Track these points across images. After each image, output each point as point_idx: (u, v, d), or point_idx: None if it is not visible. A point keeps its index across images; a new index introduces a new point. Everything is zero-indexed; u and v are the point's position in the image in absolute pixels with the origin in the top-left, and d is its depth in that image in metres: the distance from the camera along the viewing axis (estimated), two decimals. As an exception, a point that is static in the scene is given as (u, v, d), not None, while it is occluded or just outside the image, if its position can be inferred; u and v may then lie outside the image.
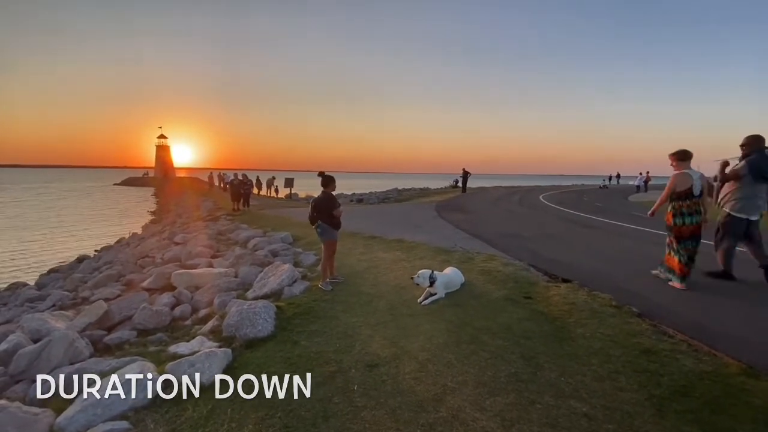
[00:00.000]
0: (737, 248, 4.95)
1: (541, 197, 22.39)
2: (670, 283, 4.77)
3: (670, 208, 4.69)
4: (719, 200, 5.01)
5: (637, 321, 3.57)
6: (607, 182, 37.06)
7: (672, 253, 4.78)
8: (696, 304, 4.09)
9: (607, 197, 22.92)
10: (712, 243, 5.09)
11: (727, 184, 4.90)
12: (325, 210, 4.68)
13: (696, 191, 4.54)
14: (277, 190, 28.51)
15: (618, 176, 40.79)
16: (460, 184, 27.45)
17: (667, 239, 4.87)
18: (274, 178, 28.71)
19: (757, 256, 4.79)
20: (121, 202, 35.54)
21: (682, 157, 4.62)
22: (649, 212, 5.11)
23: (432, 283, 4.22)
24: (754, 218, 4.76)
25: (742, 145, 4.83)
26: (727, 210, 4.87)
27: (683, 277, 4.60)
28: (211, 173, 35.04)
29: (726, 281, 4.86)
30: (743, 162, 4.71)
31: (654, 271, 5.09)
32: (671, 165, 4.72)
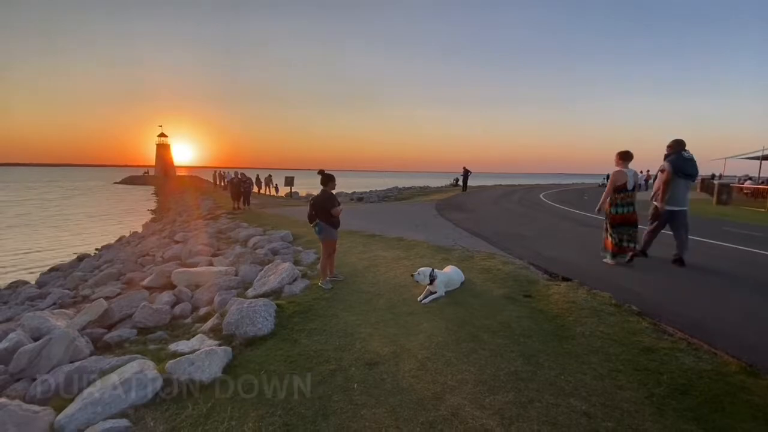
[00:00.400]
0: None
1: (541, 196, 22.37)
2: (604, 260, 5.79)
3: (609, 199, 5.59)
4: (652, 195, 5.86)
5: (636, 319, 3.57)
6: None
7: (606, 236, 5.77)
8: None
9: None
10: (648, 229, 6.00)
11: (656, 182, 5.78)
12: (324, 209, 4.66)
13: (629, 186, 5.44)
14: (276, 188, 28.20)
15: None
16: (460, 182, 27.43)
17: (604, 224, 5.81)
18: (270, 176, 28.16)
19: (678, 244, 5.63)
20: (123, 201, 35.56)
21: (624, 157, 5.47)
22: (596, 208, 5.82)
23: (432, 281, 4.22)
24: (677, 209, 5.53)
25: (667, 147, 5.64)
26: (655, 203, 5.73)
27: (613, 255, 5.64)
28: (215, 172, 34.79)
29: (647, 259, 5.89)
30: (666, 162, 5.49)
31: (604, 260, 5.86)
32: (616, 163, 5.56)
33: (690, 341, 3.17)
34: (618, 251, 5.59)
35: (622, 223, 5.54)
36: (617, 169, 5.51)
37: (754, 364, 2.78)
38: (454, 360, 2.94)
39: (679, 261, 5.61)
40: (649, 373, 2.68)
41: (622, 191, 5.47)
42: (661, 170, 5.58)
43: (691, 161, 5.46)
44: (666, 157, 5.57)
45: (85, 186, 56.51)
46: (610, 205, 5.59)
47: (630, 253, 5.63)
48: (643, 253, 5.94)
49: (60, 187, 51.83)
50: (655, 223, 5.80)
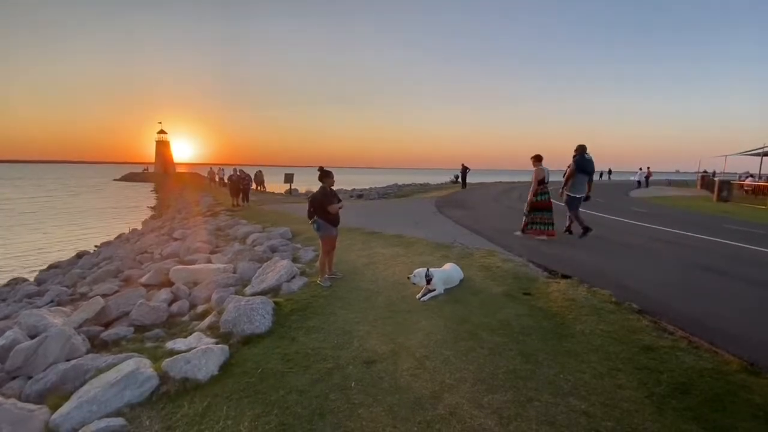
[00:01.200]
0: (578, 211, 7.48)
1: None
2: (515, 233, 7.70)
3: (534, 194, 7.34)
4: (562, 187, 7.62)
5: (637, 318, 3.54)
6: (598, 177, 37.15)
7: (524, 217, 7.61)
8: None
9: (608, 193, 22.84)
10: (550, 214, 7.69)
11: (566, 177, 7.47)
12: (322, 206, 4.63)
13: (546, 180, 7.30)
14: (263, 185, 25.63)
15: (609, 172, 40.83)
16: (460, 179, 27.35)
17: (525, 209, 7.58)
18: (260, 171, 25.37)
19: (579, 221, 7.41)
20: (125, 198, 35.51)
21: (539, 158, 7.26)
22: (527, 205, 7.53)
23: (429, 280, 4.19)
24: (579, 195, 7.37)
25: (574, 150, 7.32)
26: (567, 192, 7.43)
27: (522, 231, 7.64)
28: (211, 168, 34.71)
29: (586, 234, 7.33)
30: (572, 161, 7.27)
31: (516, 233, 7.71)
32: (533, 164, 7.29)
33: (691, 340, 3.14)
34: (524, 228, 7.61)
35: (542, 207, 7.37)
36: (538, 168, 7.20)
37: (756, 362, 2.76)
38: (452, 358, 2.92)
39: (568, 231, 7.77)
40: (649, 371, 2.66)
41: (542, 184, 7.26)
42: (569, 167, 7.33)
43: (590, 161, 7.25)
44: (573, 157, 7.23)
45: (88, 183, 56.39)
46: (535, 194, 7.30)
47: (549, 235, 7.33)
48: (586, 228, 7.34)
49: (65, 185, 51.68)
50: (574, 207, 7.57)
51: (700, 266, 5.58)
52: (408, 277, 4.34)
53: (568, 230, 7.75)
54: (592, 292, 4.16)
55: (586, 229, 7.27)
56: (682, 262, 5.85)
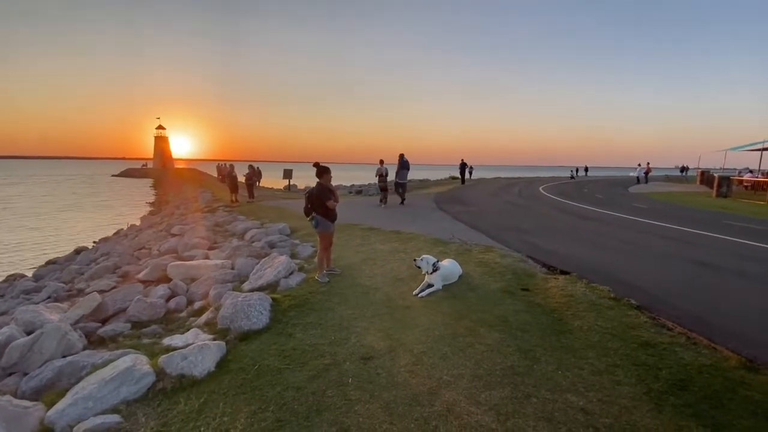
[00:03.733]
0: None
1: (541, 188, 22.29)
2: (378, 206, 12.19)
3: (378, 180, 12.39)
4: (395, 177, 12.42)
5: (635, 313, 3.53)
6: (574, 174, 37.42)
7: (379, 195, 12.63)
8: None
9: (608, 189, 22.82)
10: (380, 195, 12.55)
11: (396, 171, 12.17)
12: (320, 201, 4.60)
13: (384, 174, 12.10)
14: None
15: (586, 169, 41.25)
16: (466, 175, 27.22)
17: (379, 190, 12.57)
18: (232, 166, 18.73)
19: (402, 197, 12.62)
20: (122, 194, 35.40)
21: (381, 162, 12.41)
22: (381, 201, 12.45)
23: (435, 270, 4.21)
24: (401, 182, 12.39)
25: (399, 155, 11.95)
26: (397, 179, 12.35)
27: (380, 203, 12.30)
28: (223, 164, 31.60)
29: (400, 206, 12.08)
30: (399, 161, 11.94)
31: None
32: (380, 163, 12.35)
33: (689, 336, 3.13)
34: (382, 201, 12.27)
35: (382, 189, 12.36)
36: (380, 166, 12.18)
37: (755, 358, 2.75)
38: (450, 354, 2.91)
39: (402, 204, 12.43)
40: (648, 368, 2.65)
41: (378, 176, 12.26)
42: (399, 163, 12.03)
43: (407, 162, 12.00)
44: (399, 160, 11.94)
45: (87, 179, 56.14)
46: (379, 181, 12.37)
47: (384, 203, 12.25)
48: (402, 202, 12.58)
49: (63, 181, 51.39)
50: (396, 189, 12.65)
51: (700, 262, 5.57)
52: (414, 260, 4.39)
53: (402, 204, 12.53)
54: (591, 288, 4.14)
55: (403, 201, 12.58)
56: (681, 258, 5.84)
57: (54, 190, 37.99)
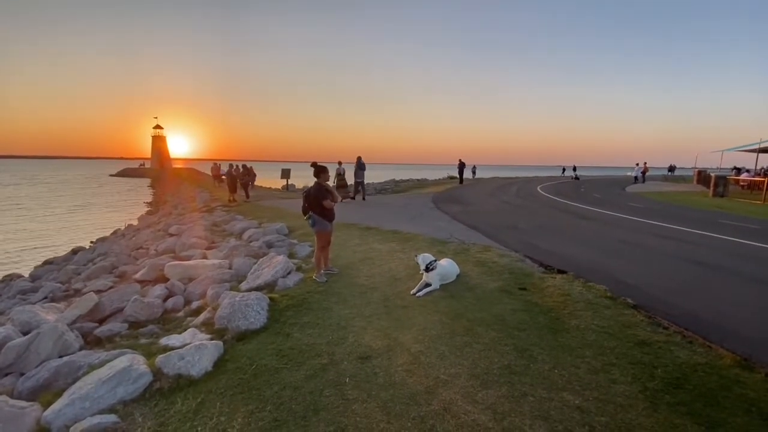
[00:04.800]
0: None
1: (538, 188, 22.34)
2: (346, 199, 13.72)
3: (337, 180, 13.73)
4: (354, 175, 14.08)
5: (632, 312, 3.55)
6: (575, 174, 37.84)
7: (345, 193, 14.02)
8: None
9: (605, 188, 22.89)
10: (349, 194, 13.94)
11: (354, 171, 13.93)
12: (317, 201, 4.60)
13: (342, 173, 14.04)
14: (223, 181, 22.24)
15: (574, 168, 41.84)
16: (469, 174, 27.23)
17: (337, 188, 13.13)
18: (245, 166, 18.86)
19: (362, 193, 14.26)
20: (120, 194, 35.26)
21: (339, 162, 14.09)
22: (346, 197, 13.57)
23: (429, 270, 4.24)
24: (359, 180, 13.98)
25: (357, 157, 13.70)
26: (356, 179, 14.05)
27: (349, 199, 13.92)
28: (213, 164, 31.46)
29: (354, 199, 13.99)
30: (357, 162, 13.73)
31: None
32: (338, 163, 14.05)
33: (685, 334, 3.15)
34: (343, 200, 12.20)
35: (339, 186, 13.38)
36: (338, 167, 13.67)
37: (750, 357, 2.77)
38: (447, 353, 2.91)
39: (363, 198, 14.06)
40: (644, 366, 2.67)
41: (338, 176, 13.59)
42: (357, 163, 13.56)
43: (364, 164, 13.53)
44: (357, 160, 13.45)
45: (84, 179, 55.89)
46: (338, 180, 13.53)
47: (349, 198, 13.65)
48: (353, 197, 13.93)
49: (61, 181, 51.12)
50: (356, 187, 14.08)
51: (696, 261, 5.60)
52: (415, 255, 4.56)
53: (353, 197, 14.05)
54: (588, 287, 4.16)
55: (356, 195, 14.11)
56: (678, 257, 5.87)
57: (62, 190, 37.80)
